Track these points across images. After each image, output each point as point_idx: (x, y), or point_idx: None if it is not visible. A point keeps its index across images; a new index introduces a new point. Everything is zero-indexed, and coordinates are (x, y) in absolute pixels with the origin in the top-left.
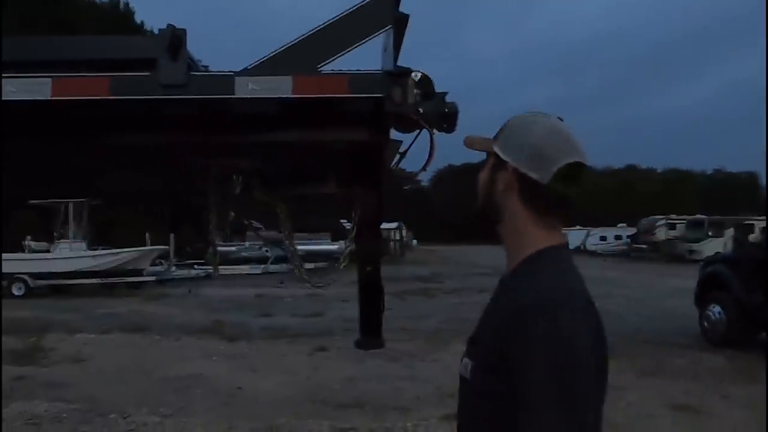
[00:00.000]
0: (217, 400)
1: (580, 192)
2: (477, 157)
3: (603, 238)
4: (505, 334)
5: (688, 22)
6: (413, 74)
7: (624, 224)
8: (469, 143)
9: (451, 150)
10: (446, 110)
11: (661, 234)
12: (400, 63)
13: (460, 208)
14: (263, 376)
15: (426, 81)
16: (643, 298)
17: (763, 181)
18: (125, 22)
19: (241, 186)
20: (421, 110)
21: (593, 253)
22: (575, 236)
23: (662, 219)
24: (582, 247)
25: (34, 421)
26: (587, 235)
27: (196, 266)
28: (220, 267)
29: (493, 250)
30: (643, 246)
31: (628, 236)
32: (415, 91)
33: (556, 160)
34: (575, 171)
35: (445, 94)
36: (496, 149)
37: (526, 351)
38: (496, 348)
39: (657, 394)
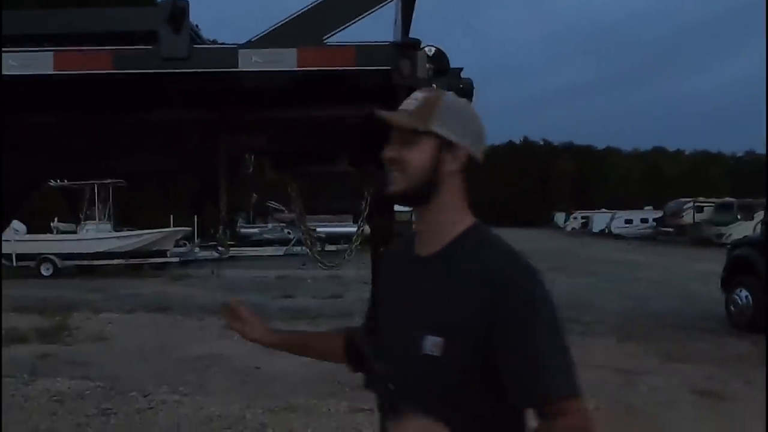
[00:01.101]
0: (236, 380)
1: None
2: (500, 139)
3: (628, 221)
4: (493, 303)
5: (720, 1)
6: (426, 48)
7: (650, 207)
8: (394, 121)
9: None
10: (461, 86)
11: (689, 217)
12: (410, 36)
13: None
14: (281, 356)
15: (440, 55)
16: (668, 282)
17: None
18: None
19: (252, 165)
20: (434, 86)
21: (618, 237)
22: (600, 219)
23: (690, 202)
24: (607, 230)
25: (58, 398)
26: (612, 218)
27: (219, 248)
28: (243, 249)
29: (513, 233)
30: (670, 229)
31: (654, 219)
32: (427, 65)
33: (484, 141)
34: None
35: (460, 69)
36: (438, 130)
37: (526, 314)
38: (484, 325)
39: (680, 379)
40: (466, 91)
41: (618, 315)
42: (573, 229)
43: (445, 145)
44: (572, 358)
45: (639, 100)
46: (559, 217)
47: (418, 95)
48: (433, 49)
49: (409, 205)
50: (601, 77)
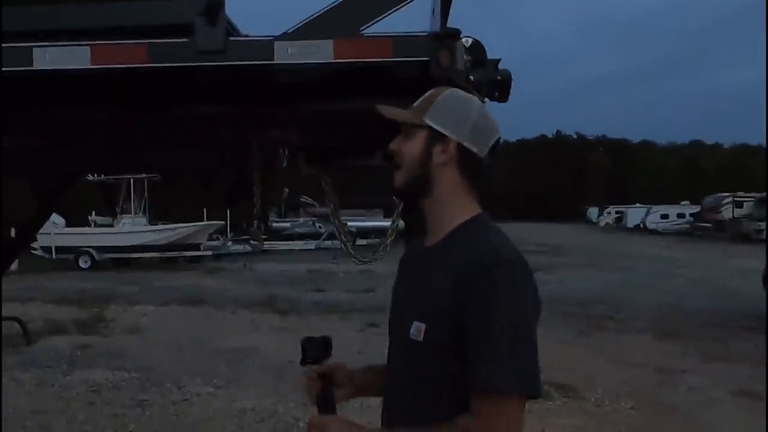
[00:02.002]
0: (269, 373)
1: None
2: (532, 132)
3: (664, 216)
4: (465, 291)
5: None
6: (463, 40)
7: (687, 202)
8: (390, 114)
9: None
10: (499, 78)
11: (728, 212)
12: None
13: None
14: None
15: (477, 47)
16: (707, 279)
17: None
18: None
19: (286, 159)
20: (471, 77)
21: (653, 232)
22: (635, 214)
23: (729, 196)
24: (641, 225)
25: (96, 388)
26: (647, 213)
27: (251, 241)
28: (274, 243)
29: (544, 227)
30: (708, 225)
31: (691, 215)
32: (465, 57)
33: (489, 136)
34: (497, 145)
35: (498, 61)
36: (430, 122)
37: (489, 303)
38: (455, 305)
39: (720, 379)
40: (504, 82)
41: (654, 312)
42: (607, 224)
43: (437, 138)
44: (528, 356)
45: (675, 92)
46: (593, 212)
47: (427, 92)
48: (471, 40)
49: (409, 201)
50: (636, 68)
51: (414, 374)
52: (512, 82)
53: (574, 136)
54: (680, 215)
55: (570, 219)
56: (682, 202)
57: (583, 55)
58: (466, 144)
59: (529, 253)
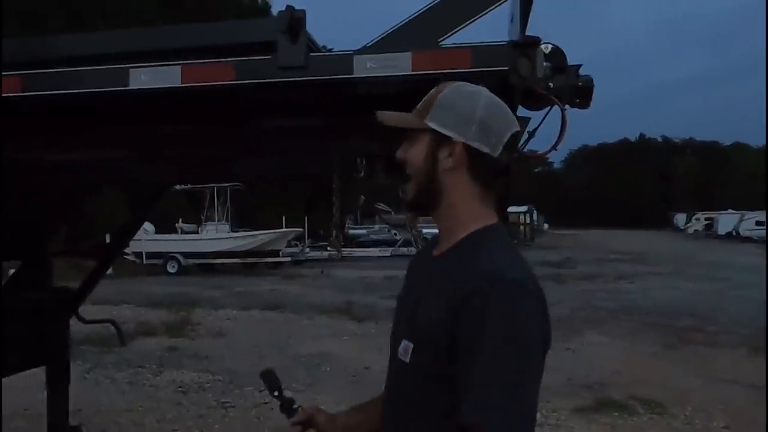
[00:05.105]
0: (346, 379)
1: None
2: (614, 136)
3: (760, 223)
4: (458, 313)
5: None
6: (543, 46)
7: None
8: (389, 120)
9: (587, 128)
10: (580, 83)
11: None
12: (529, 35)
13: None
14: None
15: (557, 53)
16: None
17: None
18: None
19: (364, 169)
20: (551, 85)
21: (747, 240)
22: (726, 220)
23: None
24: (734, 232)
25: (183, 389)
26: (741, 220)
27: (329, 248)
28: (351, 249)
29: (626, 234)
30: None
31: None
32: (545, 64)
33: (503, 131)
34: (514, 140)
35: (578, 67)
36: (433, 125)
37: (477, 327)
38: (447, 328)
39: None
40: (585, 89)
41: (748, 325)
42: (695, 231)
43: (441, 141)
44: (519, 386)
45: None
46: (680, 219)
47: (433, 91)
48: (550, 47)
49: (422, 213)
50: (725, 66)
51: (398, 396)
52: (594, 87)
53: (659, 139)
54: None
55: (655, 226)
56: None
57: (668, 54)
58: (474, 145)
59: (610, 262)
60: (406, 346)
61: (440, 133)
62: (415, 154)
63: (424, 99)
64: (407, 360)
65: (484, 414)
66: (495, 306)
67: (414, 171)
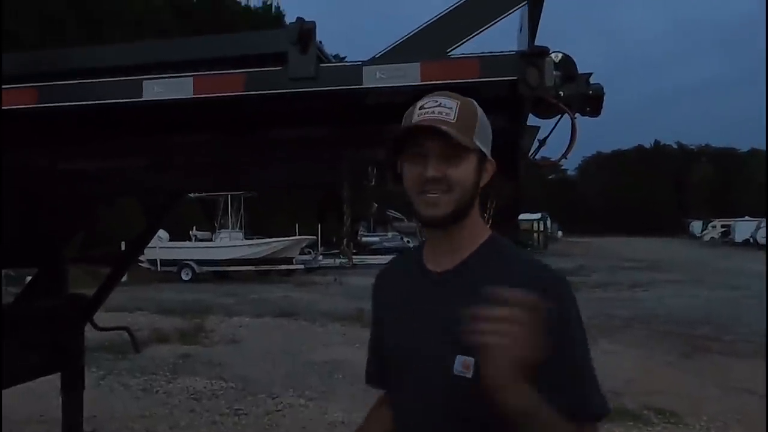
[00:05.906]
0: (359, 387)
1: None
2: (628, 143)
3: None
4: None
5: None
6: (552, 55)
7: None
8: (458, 139)
9: (598, 136)
10: (590, 92)
11: None
12: (539, 43)
13: None
14: None
15: (567, 62)
16: None
17: None
18: (278, 25)
19: (375, 178)
20: (561, 93)
21: (764, 247)
22: (744, 227)
23: None
24: (752, 239)
25: (196, 396)
26: (758, 227)
27: (340, 256)
28: (363, 257)
29: (641, 242)
30: None
31: None
32: (554, 72)
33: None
34: None
35: (589, 75)
36: (478, 143)
37: (563, 322)
38: None
39: None
40: (596, 98)
41: (765, 334)
42: (712, 238)
43: (483, 159)
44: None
45: None
46: (696, 226)
47: (446, 102)
48: (560, 55)
49: (447, 227)
50: (741, 71)
51: (459, 417)
52: (604, 96)
53: (674, 146)
54: None
55: (670, 233)
56: None
57: (684, 59)
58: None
59: (624, 269)
60: (464, 361)
61: (482, 151)
62: (465, 172)
63: (460, 113)
64: (469, 375)
65: (597, 404)
66: (569, 301)
67: (461, 189)
